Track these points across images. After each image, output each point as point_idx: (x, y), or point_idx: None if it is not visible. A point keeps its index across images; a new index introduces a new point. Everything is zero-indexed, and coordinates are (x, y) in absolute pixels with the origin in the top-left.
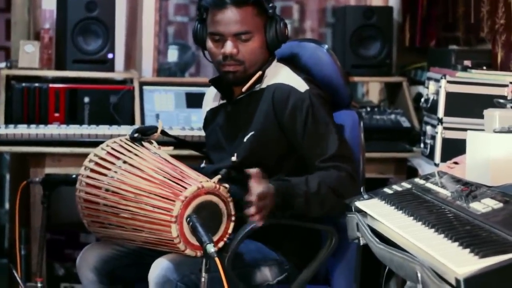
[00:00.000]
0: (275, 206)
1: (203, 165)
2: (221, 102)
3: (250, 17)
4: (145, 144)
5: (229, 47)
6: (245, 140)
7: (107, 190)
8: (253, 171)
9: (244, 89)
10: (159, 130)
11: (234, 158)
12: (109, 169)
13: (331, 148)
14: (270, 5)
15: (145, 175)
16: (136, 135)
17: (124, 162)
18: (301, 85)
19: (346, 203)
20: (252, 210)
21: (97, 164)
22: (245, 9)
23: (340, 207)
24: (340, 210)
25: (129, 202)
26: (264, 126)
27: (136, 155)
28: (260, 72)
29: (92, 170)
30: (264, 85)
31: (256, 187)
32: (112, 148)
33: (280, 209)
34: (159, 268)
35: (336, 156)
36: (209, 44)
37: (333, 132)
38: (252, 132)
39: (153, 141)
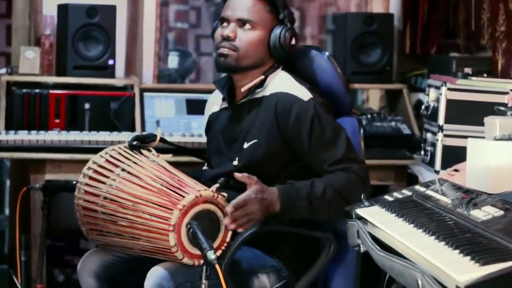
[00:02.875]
0: (279, 209)
1: (205, 167)
2: (223, 106)
3: (260, 10)
4: (144, 151)
5: (227, 29)
6: (245, 146)
7: (105, 198)
8: (243, 177)
9: (243, 89)
10: (158, 138)
11: (235, 163)
12: (107, 177)
13: (339, 152)
14: (286, 11)
15: (143, 183)
16: (135, 142)
17: (123, 170)
18: (304, 94)
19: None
20: (226, 220)
21: (95, 171)
22: (258, 1)
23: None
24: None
25: (127, 210)
26: (266, 136)
27: (134, 163)
28: (262, 77)
29: (90, 178)
30: (266, 92)
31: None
32: (111, 156)
33: (284, 213)
34: (154, 276)
35: (344, 159)
36: (217, 31)
37: (340, 137)
38: (255, 141)
39: (151, 148)
